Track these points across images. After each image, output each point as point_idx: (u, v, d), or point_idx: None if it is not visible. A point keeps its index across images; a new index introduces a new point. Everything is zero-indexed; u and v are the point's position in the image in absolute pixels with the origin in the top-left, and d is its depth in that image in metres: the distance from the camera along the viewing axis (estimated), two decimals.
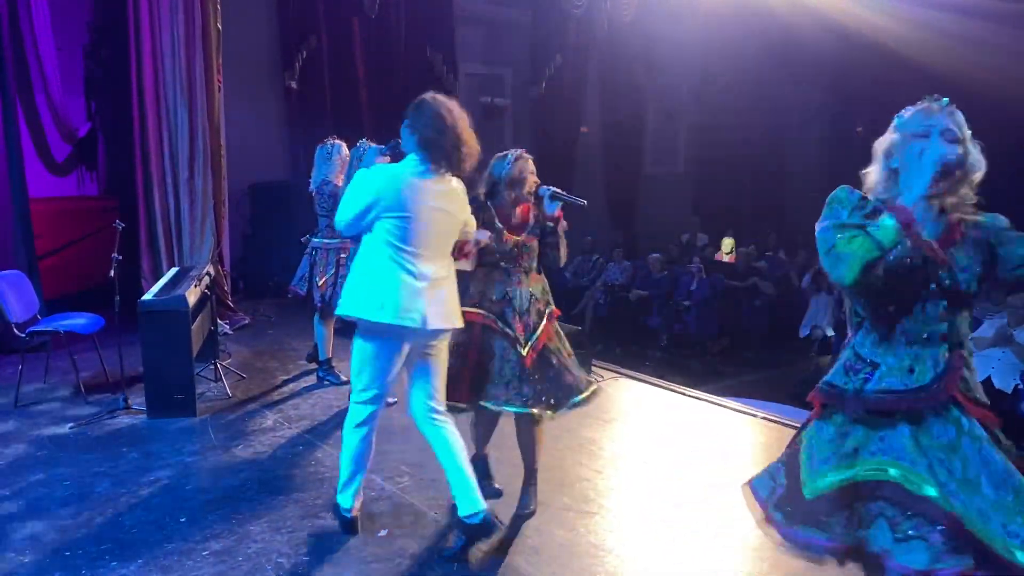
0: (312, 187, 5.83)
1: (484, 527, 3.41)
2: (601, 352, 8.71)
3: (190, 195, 7.58)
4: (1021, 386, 5.99)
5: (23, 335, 5.57)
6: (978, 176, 2.22)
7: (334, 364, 5.96)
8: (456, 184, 3.46)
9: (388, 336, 3.33)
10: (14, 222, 6.73)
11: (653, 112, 13.25)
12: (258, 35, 9.31)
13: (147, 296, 5.47)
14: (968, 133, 2.19)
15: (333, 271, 5.66)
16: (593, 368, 6.46)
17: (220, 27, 7.65)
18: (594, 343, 9.29)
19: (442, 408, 3.50)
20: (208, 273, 6.19)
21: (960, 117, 2.18)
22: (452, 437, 3.45)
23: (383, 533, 3.70)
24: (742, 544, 3.63)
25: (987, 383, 6.04)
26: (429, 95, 3.36)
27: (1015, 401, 6.00)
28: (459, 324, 3.43)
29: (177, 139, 7.49)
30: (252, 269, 9.21)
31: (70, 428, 5.04)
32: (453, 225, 3.44)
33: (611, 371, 6.60)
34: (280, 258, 9.01)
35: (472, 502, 3.39)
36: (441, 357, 3.50)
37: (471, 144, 3.37)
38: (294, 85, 9.51)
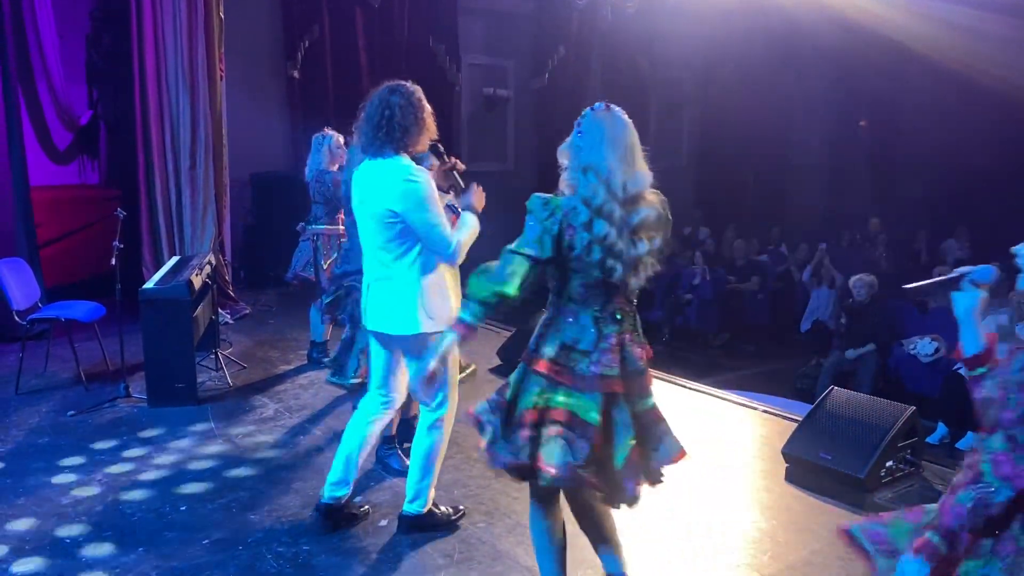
0: (308, 175, 5.90)
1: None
2: None
3: (191, 184, 7.57)
4: None
5: (24, 323, 5.57)
6: None
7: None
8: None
9: None
10: (15, 210, 6.72)
11: (656, 105, 13.20)
12: (260, 24, 9.27)
13: (148, 285, 5.47)
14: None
15: (336, 255, 5.73)
16: None
17: (222, 16, 7.62)
18: None
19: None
20: (209, 262, 6.18)
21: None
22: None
23: (384, 523, 3.70)
24: (742, 536, 3.63)
25: None
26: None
27: None
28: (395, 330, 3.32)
29: (179, 128, 7.47)
30: (253, 259, 9.19)
31: (71, 416, 5.04)
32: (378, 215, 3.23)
33: None
34: (282, 248, 8.96)
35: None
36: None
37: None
38: (296, 75, 9.48)
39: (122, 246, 5.23)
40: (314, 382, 5.79)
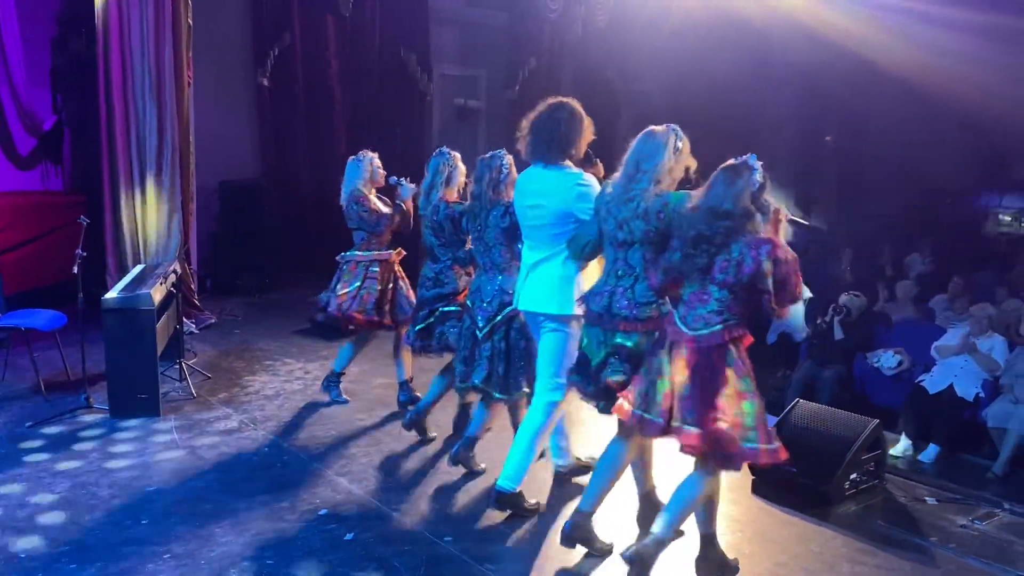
0: (342, 199, 5.34)
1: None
2: None
3: (157, 191, 7.46)
4: (982, 395, 6.07)
5: None
6: None
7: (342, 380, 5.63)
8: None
9: None
10: None
11: (626, 118, 13.28)
12: (230, 30, 9.19)
13: (111, 294, 5.37)
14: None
15: (358, 284, 5.24)
16: None
17: (191, 22, 7.53)
18: None
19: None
20: (174, 271, 6.10)
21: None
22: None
23: (349, 537, 3.67)
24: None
25: (949, 391, 6.11)
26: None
27: (976, 409, 6.08)
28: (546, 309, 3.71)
29: (145, 135, 7.35)
30: (219, 268, 9.09)
31: (29, 427, 4.93)
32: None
33: None
34: (248, 257, 8.91)
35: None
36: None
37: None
38: (266, 82, 9.41)
39: (85, 254, 5.14)
40: (279, 393, 5.73)
